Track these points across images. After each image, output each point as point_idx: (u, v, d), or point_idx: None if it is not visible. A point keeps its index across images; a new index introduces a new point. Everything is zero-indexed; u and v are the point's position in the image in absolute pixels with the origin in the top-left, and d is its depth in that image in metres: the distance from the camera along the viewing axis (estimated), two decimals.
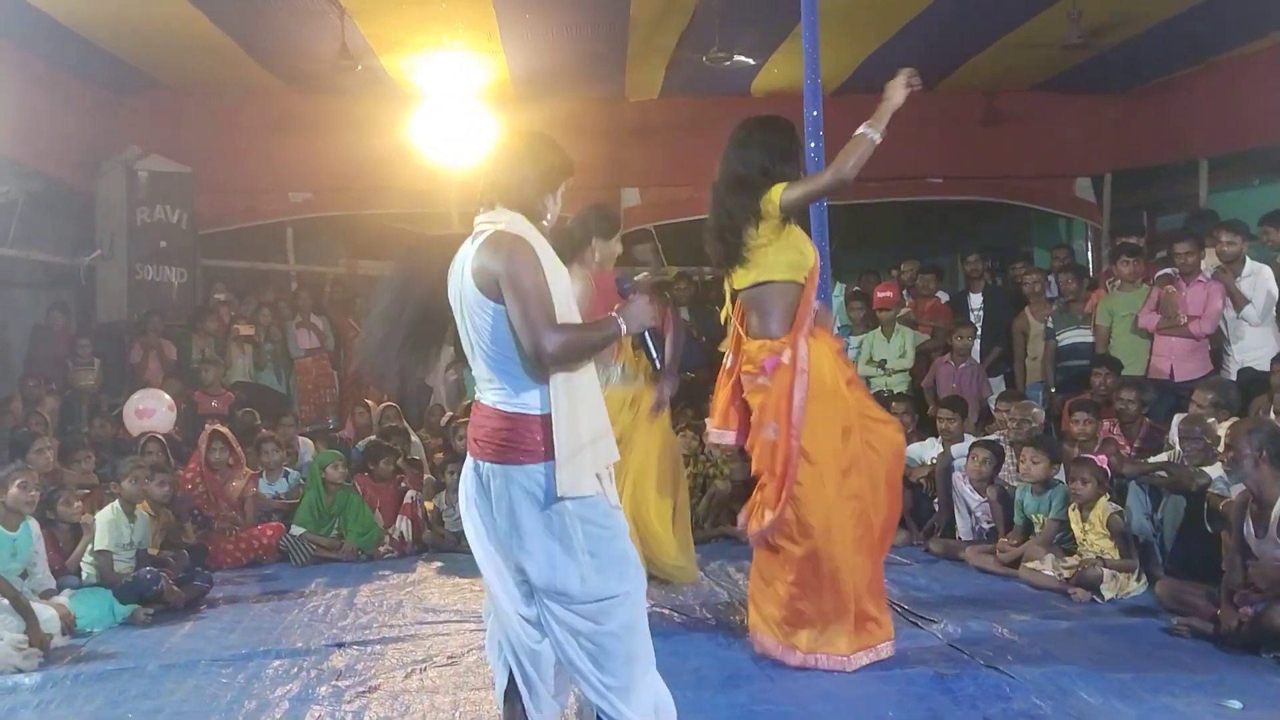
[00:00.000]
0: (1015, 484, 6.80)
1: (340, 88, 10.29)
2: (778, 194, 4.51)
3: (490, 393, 3.29)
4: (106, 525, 6.13)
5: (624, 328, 3.32)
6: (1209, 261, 7.78)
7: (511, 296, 3.15)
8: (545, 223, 3.41)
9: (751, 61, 9.57)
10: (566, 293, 3.32)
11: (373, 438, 8.73)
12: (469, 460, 3.37)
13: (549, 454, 3.20)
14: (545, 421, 3.21)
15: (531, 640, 3.35)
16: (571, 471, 3.20)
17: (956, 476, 7.20)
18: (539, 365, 3.18)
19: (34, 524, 5.67)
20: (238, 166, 11.13)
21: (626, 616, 3.29)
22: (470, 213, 3.41)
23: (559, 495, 3.19)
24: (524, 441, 3.22)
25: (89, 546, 6.13)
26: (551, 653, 3.35)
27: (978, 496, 7.05)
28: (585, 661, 3.27)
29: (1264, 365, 7.02)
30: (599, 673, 3.27)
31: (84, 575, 6.08)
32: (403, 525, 7.67)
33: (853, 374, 4.91)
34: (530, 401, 3.23)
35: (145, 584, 5.91)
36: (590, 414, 3.30)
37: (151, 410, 8.58)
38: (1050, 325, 8.84)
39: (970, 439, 7.43)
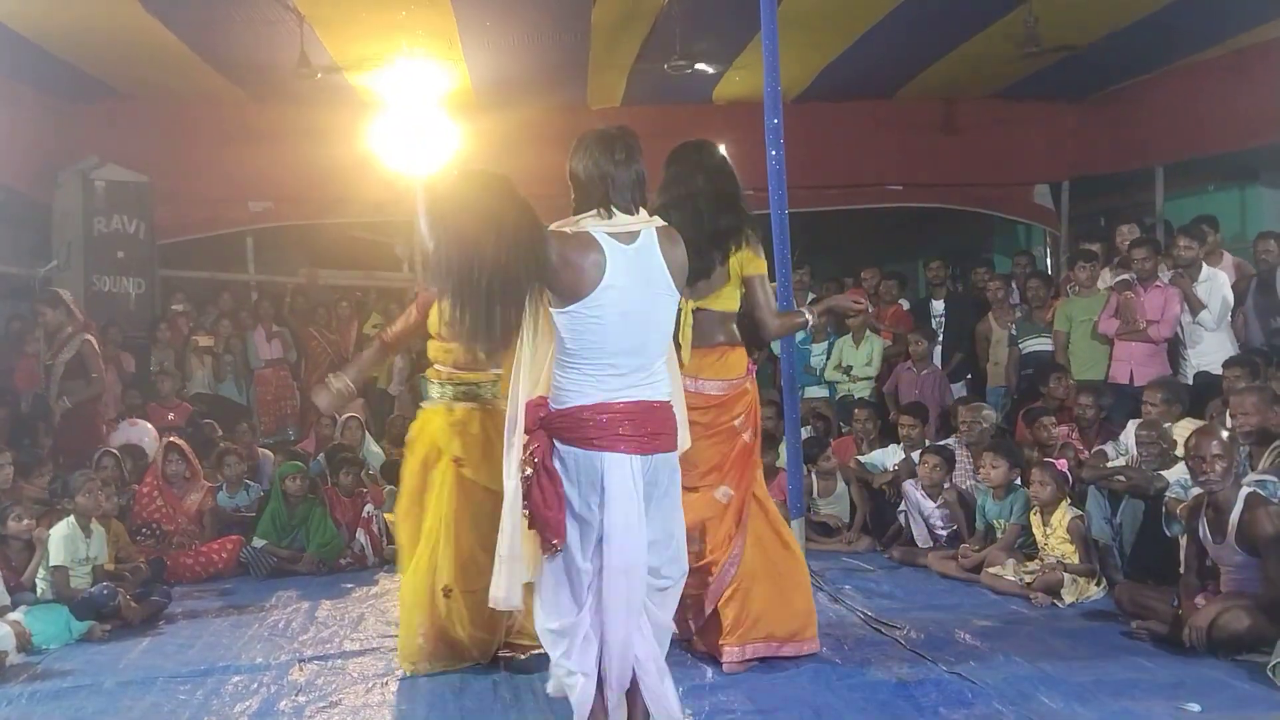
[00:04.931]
0: (978, 489, 6.84)
1: (300, 96, 10.22)
2: (763, 265, 4.69)
3: (641, 387, 3.42)
4: (62, 540, 6.01)
5: None
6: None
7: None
8: None
9: (711, 70, 9.59)
10: None
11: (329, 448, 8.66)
12: (621, 458, 3.38)
13: None
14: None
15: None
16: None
17: (908, 484, 7.21)
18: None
19: None
20: (197, 176, 10.98)
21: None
22: None
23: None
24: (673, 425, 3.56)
25: (43, 562, 6.03)
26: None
27: (930, 503, 7.08)
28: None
29: (1219, 369, 7.11)
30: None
31: (39, 591, 5.97)
32: (362, 538, 7.61)
33: None
34: (668, 388, 3.54)
35: (102, 600, 5.81)
36: None
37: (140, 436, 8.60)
38: (1014, 332, 8.92)
39: None
